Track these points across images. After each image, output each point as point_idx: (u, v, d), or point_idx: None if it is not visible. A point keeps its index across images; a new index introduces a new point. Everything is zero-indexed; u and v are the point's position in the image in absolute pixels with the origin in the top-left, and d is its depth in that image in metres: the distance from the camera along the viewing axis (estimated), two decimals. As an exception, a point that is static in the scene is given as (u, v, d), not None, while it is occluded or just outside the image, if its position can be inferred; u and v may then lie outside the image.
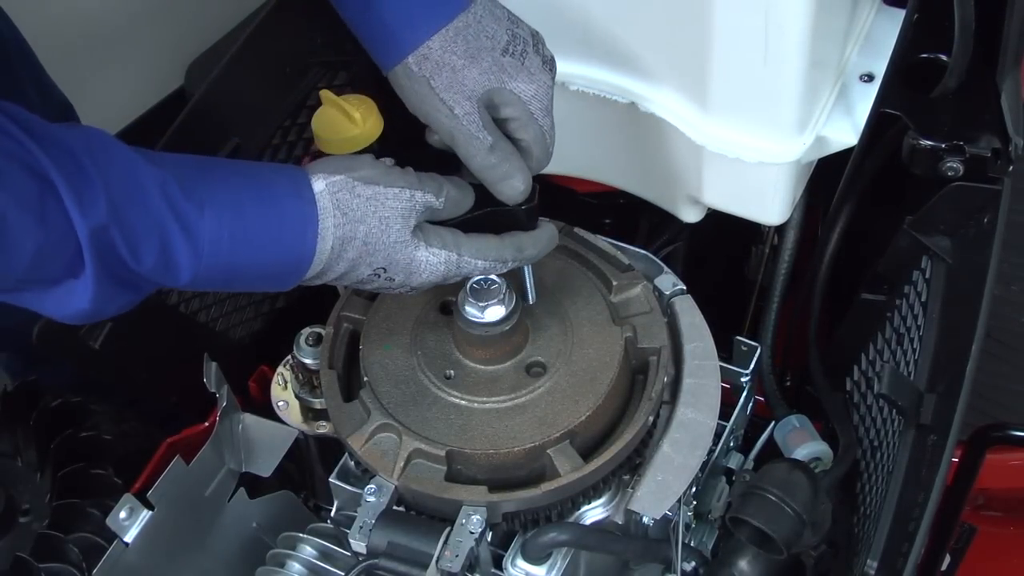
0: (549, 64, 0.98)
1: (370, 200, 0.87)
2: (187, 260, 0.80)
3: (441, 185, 0.92)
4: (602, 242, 1.09)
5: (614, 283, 1.06)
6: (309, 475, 1.17)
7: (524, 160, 0.96)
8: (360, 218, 0.87)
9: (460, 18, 0.93)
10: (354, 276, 0.89)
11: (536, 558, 0.94)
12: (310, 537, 1.04)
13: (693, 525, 1.06)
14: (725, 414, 1.06)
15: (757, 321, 1.28)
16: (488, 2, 0.96)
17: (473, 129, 0.93)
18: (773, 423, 1.16)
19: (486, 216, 0.95)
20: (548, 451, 0.94)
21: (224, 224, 0.82)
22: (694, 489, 1.02)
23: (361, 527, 0.93)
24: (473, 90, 0.94)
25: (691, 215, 1.23)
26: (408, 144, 1.20)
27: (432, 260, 0.90)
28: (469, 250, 0.92)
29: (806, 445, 1.12)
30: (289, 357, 1.09)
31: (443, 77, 0.93)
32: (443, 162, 0.99)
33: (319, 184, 0.86)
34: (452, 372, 0.99)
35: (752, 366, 1.09)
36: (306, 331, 1.07)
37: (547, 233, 0.97)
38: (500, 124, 0.95)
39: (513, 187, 0.95)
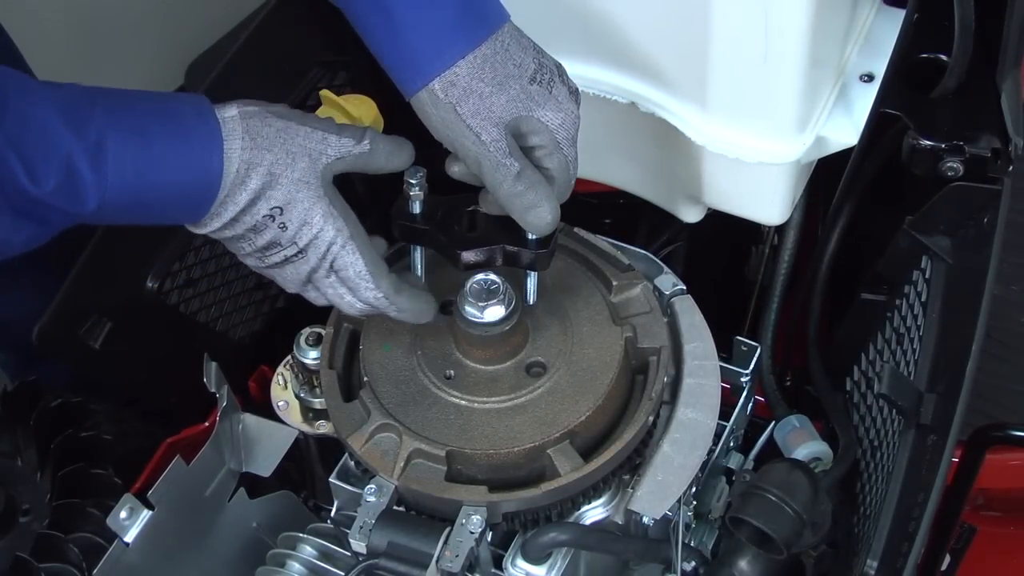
0: (574, 95, 0.96)
1: (280, 132, 0.87)
2: (91, 180, 0.79)
3: (363, 132, 0.92)
4: (602, 242, 1.09)
5: (614, 283, 1.06)
6: (309, 475, 1.17)
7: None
8: (267, 146, 0.87)
9: (487, 44, 0.92)
10: (251, 214, 0.87)
11: (536, 558, 0.94)
12: (310, 537, 1.04)
13: (693, 525, 1.06)
14: (725, 414, 1.06)
15: (757, 321, 1.28)
16: (515, 30, 0.94)
17: (500, 156, 0.91)
18: (773, 423, 1.16)
19: (494, 251, 0.96)
20: (548, 451, 0.94)
21: (129, 144, 0.81)
22: (694, 489, 1.02)
23: (361, 527, 0.93)
24: (500, 117, 0.92)
25: (691, 215, 1.23)
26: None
27: (328, 223, 0.89)
28: (361, 246, 0.91)
29: (806, 445, 1.12)
30: (289, 357, 1.10)
31: (470, 104, 0.91)
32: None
33: (231, 110, 0.87)
34: (452, 372, 0.99)
35: (752, 366, 1.09)
36: (306, 331, 1.07)
37: (421, 306, 0.96)
38: (526, 152, 0.94)
39: (540, 216, 0.93)
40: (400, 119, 1.03)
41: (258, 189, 0.86)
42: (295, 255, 0.90)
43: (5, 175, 0.76)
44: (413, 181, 0.96)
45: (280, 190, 0.87)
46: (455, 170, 0.97)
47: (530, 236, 0.96)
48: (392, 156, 0.94)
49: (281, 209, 0.88)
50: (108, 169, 0.80)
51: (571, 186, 0.97)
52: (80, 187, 0.79)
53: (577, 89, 0.97)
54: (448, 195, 1.00)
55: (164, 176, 0.83)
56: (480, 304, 0.96)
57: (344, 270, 0.91)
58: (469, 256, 0.97)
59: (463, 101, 0.91)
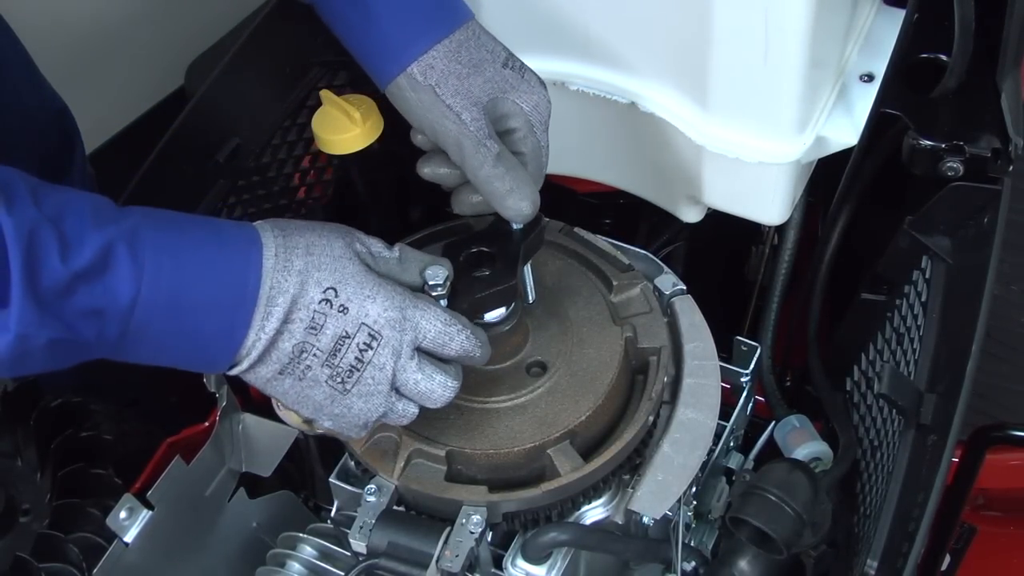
0: (542, 83, 0.98)
1: (306, 227, 0.84)
2: (127, 264, 0.74)
3: (385, 244, 0.89)
4: (602, 242, 1.09)
5: (614, 283, 1.06)
6: (309, 475, 1.17)
7: None
8: (300, 231, 0.83)
9: (460, 31, 0.94)
10: (305, 303, 0.80)
11: (536, 558, 0.94)
12: (310, 537, 1.04)
13: (693, 525, 1.06)
14: (725, 414, 1.06)
15: (757, 321, 1.28)
16: (479, 25, 0.96)
17: (481, 136, 0.92)
18: (773, 423, 1.16)
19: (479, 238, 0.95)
20: (548, 451, 0.94)
21: (165, 237, 0.76)
22: (694, 489, 1.02)
23: (361, 527, 0.93)
24: (479, 98, 0.93)
25: (691, 215, 1.23)
26: (408, 144, 1.20)
27: (386, 289, 0.83)
28: (423, 297, 0.86)
29: (806, 445, 1.12)
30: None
31: (449, 85, 0.93)
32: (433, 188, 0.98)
33: (257, 222, 0.84)
34: (452, 372, 0.99)
35: (752, 366, 1.09)
36: (306, 331, 1.07)
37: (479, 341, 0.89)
38: (500, 137, 0.95)
39: (520, 200, 0.92)
40: (400, 119, 1.03)
41: (302, 270, 0.80)
42: (368, 343, 0.82)
43: (38, 252, 0.70)
44: (439, 285, 0.89)
45: (325, 270, 0.81)
46: (426, 171, 0.98)
47: (514, 226, 0.95)
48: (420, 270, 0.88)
49: (335, 290, 0.81)
50: (146, 256, 0.74)
51: (543, 174, 0.98)
52: (115, 271, 0.73)
53: (542, 80, 0.98)
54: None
55: (202, 269, 0.77)
56: None
57: (428, 331, 0.85)
58: (494, 318, 0.96)
59: (442, 83, 0.93)
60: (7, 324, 0.70)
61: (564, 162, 1.27)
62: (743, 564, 0.98)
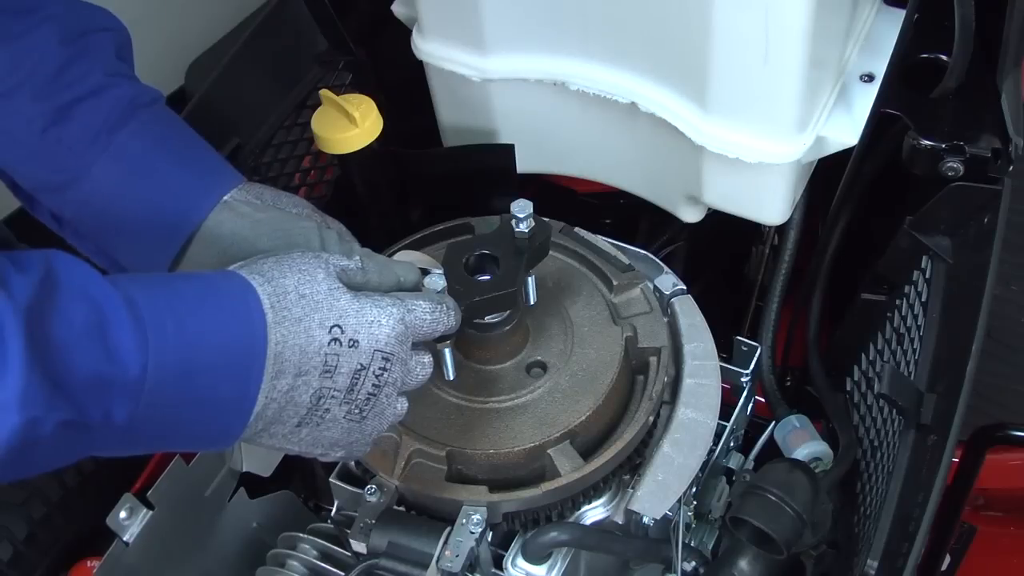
0: None
1: (278, 262, 0.79)
2: (130, 339, 0.68)
3: (352, 247, 0.89)
4: (602, 242, 1.09)
5: (614, 283, 1.06)
6: (309, 475, 1.17)
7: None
8: (281, 273, 0.78)
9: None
10: (315, 346, 0.77)
11: (536, 558, 0.94)
12: (310, 537, 1.04)
13: (693, 525, 1.06)
14: (725, 414, 1.06)
15: (757, 321, 1.28)
16: None
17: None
18: (773, 423, 1.16)
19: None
20: (548, 451, 0.94)
21: (161, 300, 0.71)
22: (694, 489, 1.02)
23: (361, 527, 0.93)
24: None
25: (691, 215, 1.23)
26: (408, 144, 1.20)
27: (382, 304, 0.80)
28: (410, 296, 0.84)
29: (806, 445, 1.12)
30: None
31: (282, 200, 0.96)
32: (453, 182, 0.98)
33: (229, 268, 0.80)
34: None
35: (752, 366, 1.09)
36: (306, 331, 1.07)
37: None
38: None
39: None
40: (400, 119, 1.03)
41: (301, 316, 0.76)
42: (384, 366, 0.81)
43: (39, 323, 0.64)
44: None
45: (322, 308, 0.78)
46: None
47: (521, 229, 0.94)
48: (381, 274, 0.85)
49: (340, 327, 0.78)
50: (146, 319, 0.69)
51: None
52: (114, 335, 0.67)
53: None
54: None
55: (206, 324, 0.72)
56: None
57: (420, 326, 0.83)
58: (494, 318, 0.96)
59: (278, 200, 0.95)
60: (9, 405, 0.62)
61: (564, 162, 1.27)
62: (743, 564, 0.98)
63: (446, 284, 0.87)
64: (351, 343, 0.78)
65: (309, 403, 0.78)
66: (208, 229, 0.92)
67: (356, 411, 0.81)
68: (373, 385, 0.81)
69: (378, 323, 0.80)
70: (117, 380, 0.67)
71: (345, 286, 0.80)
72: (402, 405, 0.86)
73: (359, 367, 0.79)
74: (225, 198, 0.93)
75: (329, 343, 0.77)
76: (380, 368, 0.80)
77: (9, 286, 0.64)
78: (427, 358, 0.86)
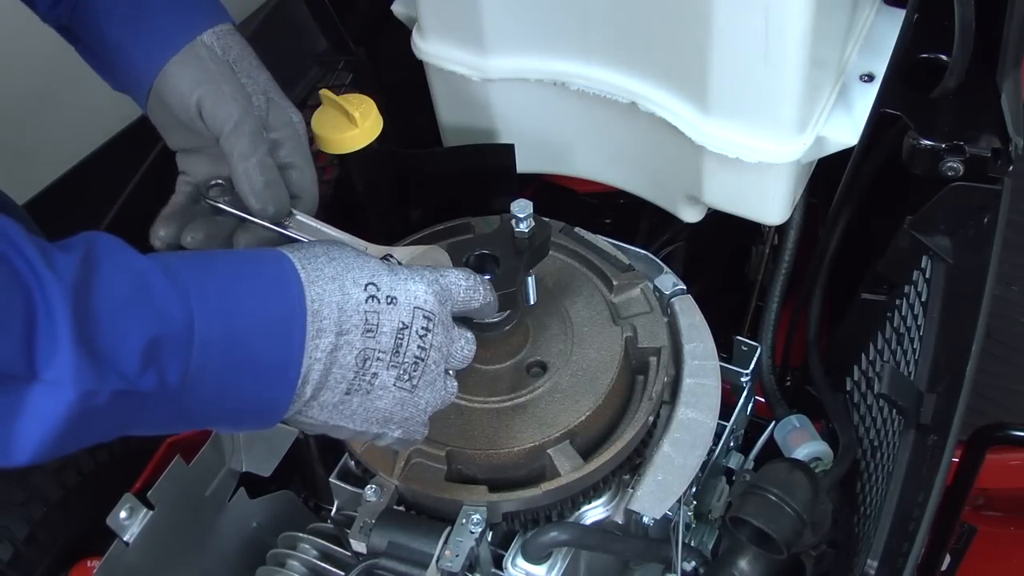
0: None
1: (313, 244, 0.80)
2: (174, 301, 0.68)
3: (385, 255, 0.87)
4: (602, 242, 1.09)
5: (614, 283, 1.06)
6: (309, 475, 1.17)
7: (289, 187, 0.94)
8: (310, 245, 0.79)
9: (234, 29, 0.95)
10: (353, 303, 0.76)
11: (536, 558, 0.94)
12: (310, 537, 1.04)
13: (693, 525, 1.06)
14: (725, 414, 1.06)
15: (757, 321, 1.28)
16: None
17: (262, 124, 0.92)
18: (773, 423, 1.16)
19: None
20: (548, 451, 0.94)
21: (196, 264, 0.72)
22: (694, 489, 1.02)
23: (361, 527, 0.93)
24: (265, 89, 0.93)
25: (691, 215, 1.23)
26: (408, 144, 1.20)
27: (413, 268, 0.81)
28: (440, 269, 0.84)
29: (806, 445, 1.12)
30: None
31: (244, 65, 0.92)
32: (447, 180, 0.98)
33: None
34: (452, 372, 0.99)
35: (752, 366, 1.09)
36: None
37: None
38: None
39: (270, 199, 0.91)
40: (401, 119, 1.03)
41: (335, 274, 0.76)
42: (426, 326, 0.79)
43: (83, 300, 0.65)
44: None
45: (356, 268, 0.77)
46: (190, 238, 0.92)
47: (521, 228, 0.95)
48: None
49: (375, 284, 0.77)
50: (187, 283, 0.69)
51: (315, 189, 0.98)
52: (158, 299, 0.68)
53: None
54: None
55: (245, 286, 0.72)
56: None
57: (458, 292, 0.83)
58: (495, 318, 0.95)
59: (240, 61, 0.93)
60: (62, 380, 0.63)
61: (564, 162, 1.28)
62: (743, 564, 0.98)
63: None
64: (389, 300, 0.77)
65: (355, 365, 0.76)
66: (171, 67, 0.92)
67: (406, 377, 0.79)
68: (419, 347, 0.79)
69: (413, 280, 0.79)
70: (165, 341, 0.67)
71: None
72: (452, 384, 0.84)
73: (401, 325, 0.78)
74: (201, 37, 0.92)
75: (367, 300, 0.76)
76: (423, 328, 0.79)
77: (56, 267, 0.64)
78: (469, 333, 0.84)
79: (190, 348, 0.68)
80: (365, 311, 0.76)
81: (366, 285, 0.77)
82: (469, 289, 0.83)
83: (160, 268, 0.69)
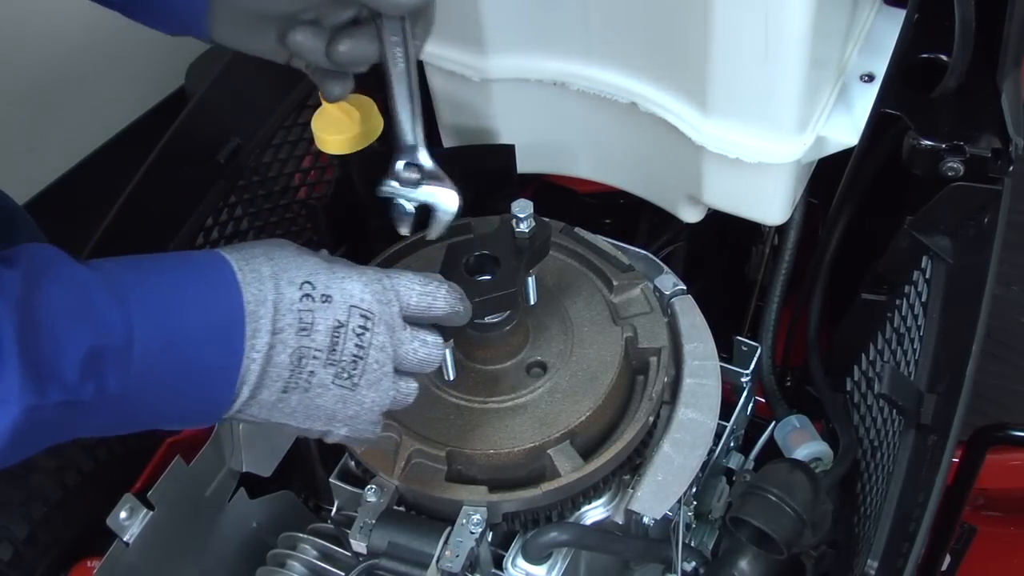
0: None
1: (253, 242, 0.81)
2: (114, 312, 0.69)
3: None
4: (602, 242, 1.09)
5: (615, 283, 1.06)
6: (309, 475, 1.17)
7: None
8: (250, 245, 0.79)
9: None
10: (287, 302, 0.76)
11: (536, 558, 0.94)
12: (310, 537, 1.04)
13: (693, 525, 1.06)
14: (725, 414, 1.06)
15: (757, 321, 1.28)
16: None
17: None
18: (773, 423, 1.16)
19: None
20: (548, 451, 0.94)
21: (139, 276, 0.73)
22: (694, 489, 1.02)
23: (361, 527, 0.93)
24: None
25: (691, 215, 1.23)
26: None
27: (355, 268, 0.81)
28: (395, 271, 0.84)
29: (806, 445, 1.12)
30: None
31: None
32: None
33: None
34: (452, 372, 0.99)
35: (752, 366, 1.09)
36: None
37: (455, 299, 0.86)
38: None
39: None
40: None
41: (272, 273, 0.77)
42: (363, 324, 0.79)
43: (29, 315, 0.66)
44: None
45: (293, 268, 0.78)
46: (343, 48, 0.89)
47: (522, 228, 0.94)
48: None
49: (311, 283, 0.78)
50: (127, 294, 0.70)
51: None
52: (98, 312, 0.69)
53: None
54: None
55: (184, 291, 0.74)
56: None
57: (410, 296, 0.82)
58: (494, 318, 0.95)
59: None
60: (7, 398, 0.65)
61: (565, 162, 1.28)
62: (743, 564, 0.98)
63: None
64: (324, 298, 0.78)
65: (290, 363, 0.77)
66: None
67: (345, 376, 0.79)
68: (356, 346, 0.79)
69: (350, 279, 0.80)
70: (105, 352, 0.68)
71: (321, 257, 0.81)
72: (407, 385, 0.84)
73: (336, 324, 0.78)
74: None
75: (301, 299, 0.77)
76: (360, 327, 0.79)
77: (4, 279, 0.65)
78: (430, 337, 0.84)
79: (130, 357, 0.70)
80: (299, 310, 0.77)
81: (301, 284, 0.78)
82: (425, 295, 0.83)
83: (101, 279, 0.70)
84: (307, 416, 0.80)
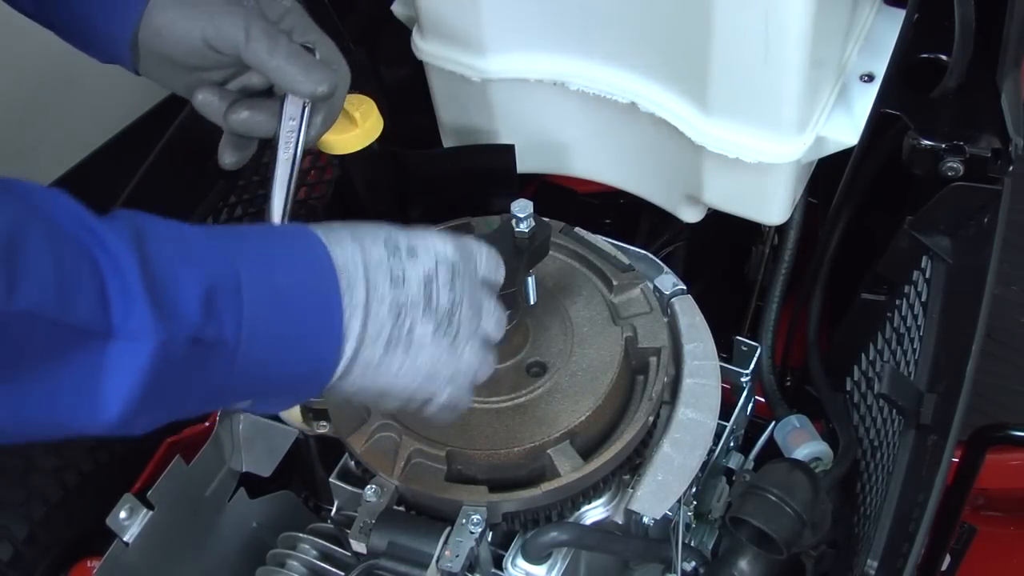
0: None
1: (330, 223, 0.81)
2: (220, 258, 0.71)
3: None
4: (602, 242, 1.09)
5: (614, 283, 1.06)
6: (309, 475, 1.17)
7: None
8: (329, 223, 0.80)
9: None
10: (375, 260, 0.78)
11: (536, 558, 0.94)
12: (310, 537, 1.04)
13: (693, 525, 1.06)
14: (725, 414, 1.06)
15: (757, 321, 1.28)
16: None
17: (270, 19, 0.90)
18: (773, 423, 1.16)
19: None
20: (548, 451, 0.94)
21: (237, 237, 0.74)
22: (694, 489, 1.02)
23: (361, 527, 0.93)
24: None
25: (691, 215, 1.23)
26: (408, 144, 1.20)
27: (430, 230, 0.82)
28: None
29: (806, 445, 1.12)
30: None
31: None
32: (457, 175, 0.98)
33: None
34: (452, 372, 0.99)
35: (752, 366, 1.09)
36: (306, 331, 1.07)
37: None
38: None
39: (320, 77, 0.89)
40: (401, 119, 1.03)
41: (354, 238, 0.78)
42: (451, 275, 0.80)
43: (149, 264, 0.66)
44: None
45: (371, 235, 0.79)
46: (242, 116, 0.92)
47: (522, 228, 0.94)
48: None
49: (394, 243, 0.79)
50: (227, 243, 0.72)
51: (340, 57, 0.96)
52: (199, 255, 0.70)
53: None
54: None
55: (281, 251, 0.75)
56: None
57: (481, 257, 0.84)
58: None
59: None
60: (141, 333, 0.65)
61: (564, 162, 1.28)
62: (743, 564, 0.98)
63: None
64: (410, 252, 0.79)
65: (390, 316, 0.77)
66: (145, 29, 0.91)
67: (443, 329, 0.79)
68: (448, 297, 0.79)
69: (431, 236, 0.81)
70: (219, 293, 0.69)
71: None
72: (491, 356, 0.84)
73: (427, 275, 0.79)
74: None
75: (388, 257, 0.78)
76: (448, 278, 0.80)
77: (116, 228, 0.66)
78: (496, 305, 0.84)
79: (241, 304, 0.70)
80: (389, 266, 0.78)
81: (385, 242, 0.79)
82: (491, 258, 0.84)
83: (203, 232, 0.71)
84: (413, 375, 0.79)
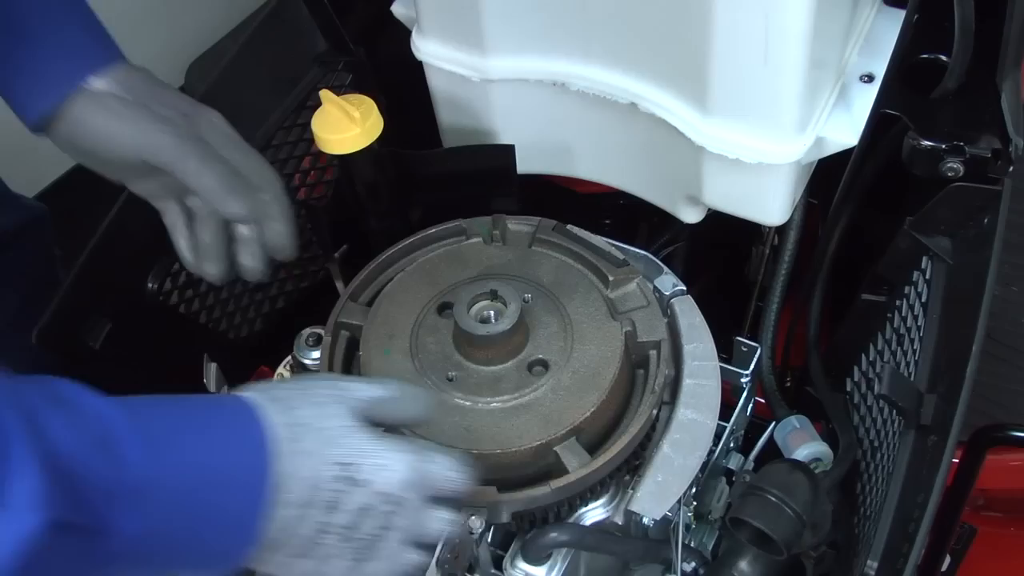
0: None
1: (301, 395, 0.78)
2: (136, 451, 0.68)
3: (373, 380, 0.85)
4: (596, 238, 1.09)
5: (610, 278, 1.06)
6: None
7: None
8: (299, 404, 0.77)
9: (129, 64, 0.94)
10: (321, 487, 0.75)
11: (536, 559, 0.94)
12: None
13: (693, 526, 1.06)
14: (725, 415, 1.06)
15: (757, 321, 1.28)
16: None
17: (197, 136, 0.91)
18: (773, 424, 1.16)
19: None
20: (555, 448, 0.94)
21: (167, 418, 0.72)
22: (694, 490, 1.02)
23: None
24: (183, 110, 0.93)
25: (691, 215, 1.23)
26: (408, 144, 1.20)
27: (400, 452, 0.79)
28: (430, 445, 0.85)
29: (806, 446, 1.12)
30: (289, 357, 1.09)
31: (155, 97, 0.91)
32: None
33: (242, 392, 0.79)
34: (454, 374, 0.99)
35: (752, 366, 1.09)
36: (306, 332, 1.07)
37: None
38: None
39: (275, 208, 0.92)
40: (401, 119, 1.03)
41: (315, 449, 0.75)
42: (392, 510, 0.78)
43: (40, 424, 0.64)
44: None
45: (337, 446, 0.76)
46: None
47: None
48: (413, 402, 0.85)
49: (351, 465, 0.77)
50: (150, 431, 0.70)
51: (270, 170, 0.98)
52: (118, 447, 0.67)
53: None
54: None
55: (211, 445, 0.72)
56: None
57: (437, 479, 0.81)
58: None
59: (150, 98, 0.91)
60: (24, 504, 0.60)
61: (564, 163, 1.28)
62: (743, 565, 0.98)
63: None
64: (361, 482, 0.77)
65: (311, 537, 0.76)
66: (67, 123, 0.89)
67: (360, 552, 0.79)
68: (380, 527, 0.78)
69: (387, 467, 0.78)
70: (123, 489, 0.66)
71: (368, 426, 0.79)
72: (415, 557, 0.83)
73: (365, 507, 0.77)
74: (90, 86, 0.89)
75: (336, 479, 0.76)
76: (388, 511, 0.78)
77: (20, 393, 0.64)
78: (445, 514, 0.83)
79: (147, 499, 0.68)
80: (332, 490, 0.76)
81: (343, 465, 0.76)
82: (450, 481, 0.82)
83: (126, 415, 0.69)
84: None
